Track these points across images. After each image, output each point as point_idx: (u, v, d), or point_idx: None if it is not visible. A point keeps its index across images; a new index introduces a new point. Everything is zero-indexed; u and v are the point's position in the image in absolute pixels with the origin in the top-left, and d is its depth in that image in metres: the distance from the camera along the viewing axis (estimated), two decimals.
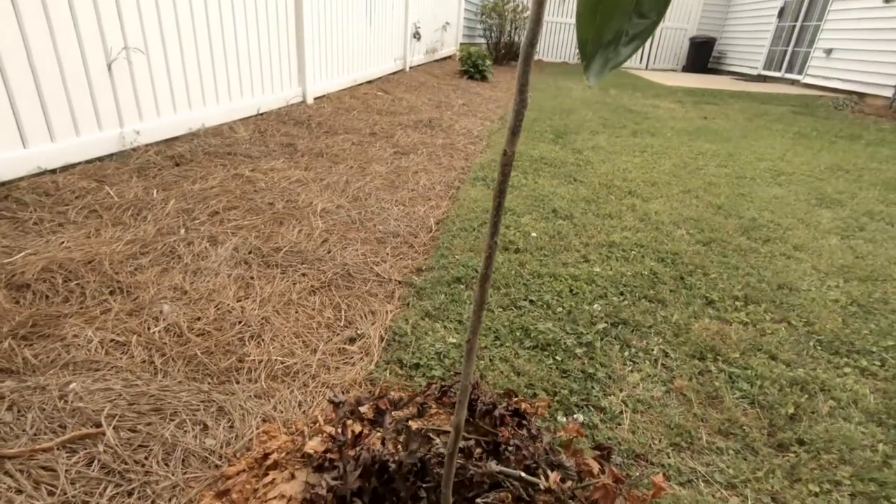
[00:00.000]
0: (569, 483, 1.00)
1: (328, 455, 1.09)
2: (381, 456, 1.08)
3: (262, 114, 3.92)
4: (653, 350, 1.71)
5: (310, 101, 4.48)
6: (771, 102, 7.65)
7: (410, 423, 1.05)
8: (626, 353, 1.68)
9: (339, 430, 1.10)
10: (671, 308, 1.94)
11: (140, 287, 1.69)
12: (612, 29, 0.45)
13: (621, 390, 1.53)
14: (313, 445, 1.14)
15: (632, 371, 1.61)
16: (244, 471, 1.15)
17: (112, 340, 1.43)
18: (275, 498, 1.05)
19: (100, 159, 2.68)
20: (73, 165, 2.55)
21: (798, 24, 9.88)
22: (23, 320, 1.44)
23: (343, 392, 1.33)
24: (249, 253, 1.99)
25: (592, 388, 1.52)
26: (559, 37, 12.53)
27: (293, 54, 4.23)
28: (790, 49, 10.13)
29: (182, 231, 2.09)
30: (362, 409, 1.07)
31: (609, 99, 6.93)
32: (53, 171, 2.45)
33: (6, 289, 1.60)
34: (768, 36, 10.72)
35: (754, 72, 11.12)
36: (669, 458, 1.32)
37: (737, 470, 1.30)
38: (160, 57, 2.95)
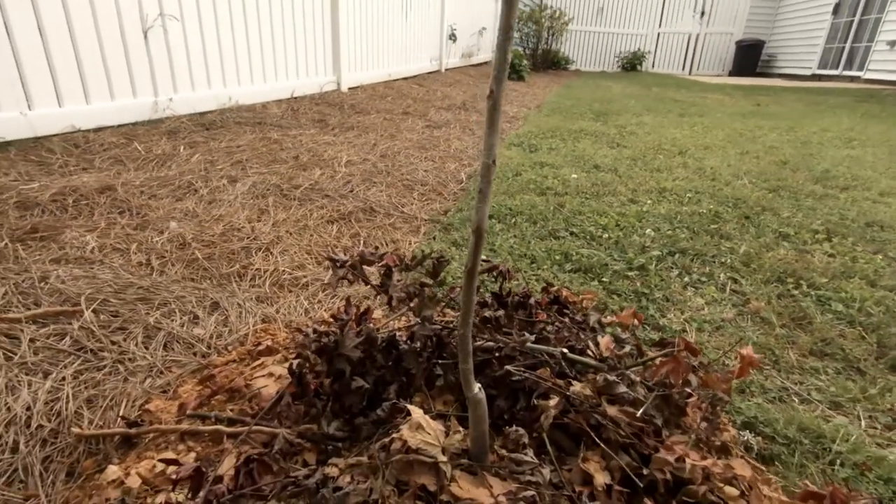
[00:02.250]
0: (626, 349, 0.78)
1: (332, 335, 0.91)
2: (389, 332, 0.90)
3: (295, 97, 3.92)
4: (719, 276, 1.45)
5: (344, 88, 4.47)
6: (829, 94, 7.15)
7: (426, 289, 0.86)
8: (687, 279, 1.43)
9: (343, 308, 0.93)
10: (737, 241, 1.67)
11: (150, 209, 1.60)
12: None
13: (682, 312, 1.28)
14: (313, 329, 0.97)
15: (695, 295, 1.36)
16: (234, 361, 0.98)
17: (111, 246, 1.32)
18: (262, 377, 0.88)
19: (132, 124, 2.69)
20: (106, 127, 2.55)
21: (856, 18, 9.33)
22: (24, 227, 1.36)
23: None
24: (268, 189, 1.88)
25: (647, 307, 1.28)
26: (596, 46, 12.35)
27: (328, 42, 4.25)
28: (848, 45, 9.56)
29: (202, 173, 2.01)
30: (368, 269, 0.89)
31: (652, 93, 6.65)
32: (87, 131, 2.46)
33: (17, 209, 1.53)
34: (822, 34, 10.17)
35: (808, 72, 10.53)
36: (750, 375, 1.06)
37: (841, 388, 1.03)
38: (195, 29, 2.98)
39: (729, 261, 1.53)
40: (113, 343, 0.95)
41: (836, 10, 10.12)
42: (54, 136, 2.34)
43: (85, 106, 2.49)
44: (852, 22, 9.66)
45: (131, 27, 2.63)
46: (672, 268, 1.49)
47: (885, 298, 1.32)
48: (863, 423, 0.95)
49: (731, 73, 12.00)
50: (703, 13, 11.88)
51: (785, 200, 2.07)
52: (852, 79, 9.49)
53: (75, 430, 0.76)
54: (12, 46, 2.15)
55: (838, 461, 0.83)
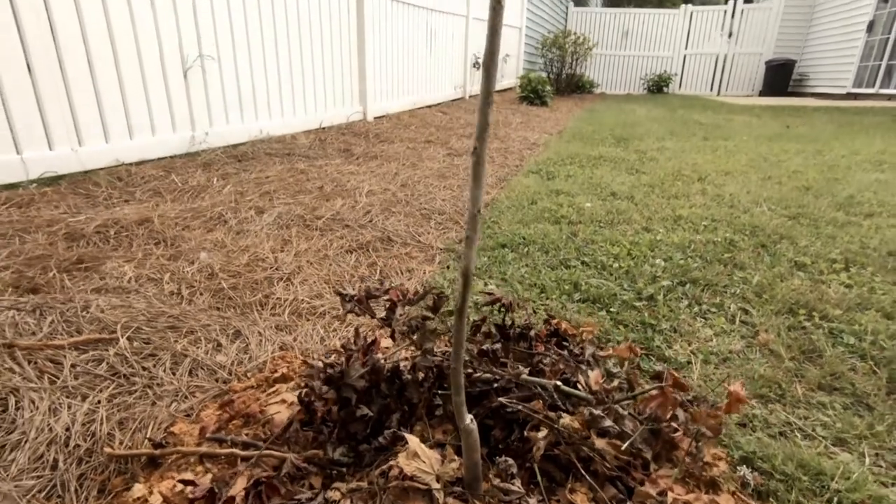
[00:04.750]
0: (615, 383, 0.81)
1: (338, 366, 0.97)
2: (393, 362, 0.95)
3: (323, 127, 4.10)
4: (729, 307, 1.45)
5: (370, 118, 4.64)
6: (865, 114, 6.96)
7: (428, 322, 0.91)
8: (696, 310, 1.44)
9: (352, 339, 0.99)
10: (751, 270, 1.67)
11: (183, 240, 1.71)
12: None
13: (689, 343, 1.29)
14: (323, 358, 1.03)
15: (704, 326, 1.37)
16: (253, 387, 1.05)
17: (146, 276, 1.43)
18: (275, 403, 0.94)
19: (171, 157, 2.87)
20: (147, 161, 2.74)
21: (891, 36, 9.10)
22: (70, 258, 1.48)
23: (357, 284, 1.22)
24: (292, 219, 1.99)
25: (653, 338, 1.30)
26: (621, 69, 12.39)
27: (355, 75, 4.44)
28: (884, 63, 9.31)
29: (232, 204, 2.13)
30: (373, 303, 0.95)
31: (677, 116, 6.62)
32: (129, 164, 2.65)
33: (65, 240, 1.68)
34: (857, 52, 9.95)
35: (842, 90, 10.28)
36: (755, 409, 1.07)
37: (847, 425, 1.02)
38: (231, 67, 3.18)
39: (741, 291, 1.53)
40: (144, 369, 1.03)
41: (871, 28, 9.90)
42: (101, 169, 2.53)
43: (129, 141, 2.69)
44: (888, 39, 9.42)
45: (173, 68, 2.83)
46: (682, 298, 1.50)
47: None
48: (867, 460, 0.94)
49: (761, 93, 11.82)
50: (730, 34, 11.80)
51: (804, 228, 2.05)
52: (890, 97, 9.22)
53: (107, 450, 0.83)
54: (67, 90, 2.36)
55: (836, 499, 0.84)
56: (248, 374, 1.10)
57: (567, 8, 12.30)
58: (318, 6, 3.86)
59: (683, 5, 11.80)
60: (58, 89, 2.31)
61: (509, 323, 1.06)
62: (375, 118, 4.75)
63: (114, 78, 2.53)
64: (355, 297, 0.92)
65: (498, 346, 0.93)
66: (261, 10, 3.34)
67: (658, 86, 11.75)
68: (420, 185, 2.63)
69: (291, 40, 3.65)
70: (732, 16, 11.58)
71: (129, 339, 1.10)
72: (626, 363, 0.95)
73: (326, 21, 3.97)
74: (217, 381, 1.06)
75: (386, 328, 0.92)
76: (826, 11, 11.36)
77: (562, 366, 0.91)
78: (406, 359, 1.08)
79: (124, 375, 1.01)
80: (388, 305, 0.94)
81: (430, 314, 0.93)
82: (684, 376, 1.17)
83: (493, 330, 1.05)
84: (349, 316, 1.30)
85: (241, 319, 1.26)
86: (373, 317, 0.93)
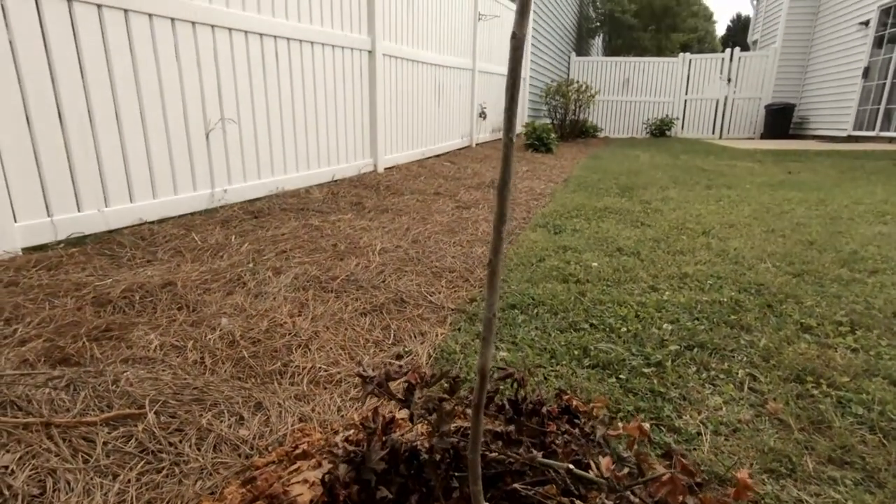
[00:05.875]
0: (626, 470, 0.84)
1: (358, 445, 1.01)
2: (411, 442, 0.99)
3: (336, 180, 4.24)
4: (737, 373, 1.48)
5: (380, 170, 4.79)
6: (866, 158, 7.07)
7: (444, 404, 0.96)
8: (705, 376, 1.47)
9: (371, 416, 1.03)
10: (757, 333, 1.70)
11: (205, 305, 1.78)
12: None
13: (699, 412, 1.31)
14: (343, 437, 1.07)
15: (712, 393, 1.39)
16: (273, 462, 1.09)
17: (171, 344, 1.49)
18: (298, 483, 0.98)
19: (191, 214, 2.99)
20: (169, 219, 2.86)
21: (888, 81, 9.34)
22: (99, 325, 1.55)
23: (373, 368, 1.26)
24: (308, 281, 2.06)
25: (664, 407, 1.32)
26: (624, 114, 12.72)
27: (367, 130, 4.63)
28: (882, 107, 9.51)
29: (250, 265, 2.21)
30: (392, 385, 0.99)
31: (680, 162, 6.77)
32: (151, 223, 2.76)
33: (93, 304, 1.75)
34: (854, 97, 10.18)
35: (843, 133, 10.46)
36: (765, 484, 1.08)
37: (858, 502, 1.03)
38: (250, 128, 3.35)
39: (748, 356, 1.56)
40: (170, 445, 1.07)
41: (867, 74, 10.16)
42: (125, 228, 2.64)
43: (152, 200, 2.81)
44: (884, 84, 9.65)
45: (196, 130, 2.99)
46: (690, 363, 1.53)
47: None
48: None
49: (762, 136, 12.04)
50: (729, 80, 12.13)
51: (809, 286, 2.08)
52: (891, 139, 9.36)
53: None
54: (98, 158, 2.50)
55: None
56: (270, 448, 1.13)
57: (569, 57, 12.78)
58: (333, 69, 4.08)
59: (682, 54, 12.22)
60: (89, 157, 2.45)
61: (522, 397, 1.10)
62: (386, 169, 4.90)
63: (141, 142, 2.68)
64: (375, 380, 0.97)
65: (512, 427, 0.97)
66: (279, 76, 3.54)
67: (661, 130, 12.02)
68: (430, 242, 2.70)
69: (307, 100, 3.84)
70: (730, 63, 11.96)
71: (156, 413, 1.15)
72: (636, 443, 0.98)
73: (340, 81, 4.18)
74: (240, 455, 1.09)
75: (404, 409, 0.96)
76: (821, 58, 11.70)
77: (574, 446, 0.94)
78: (423, 434, 1.12)
79: (152, 452, 1.05)
80: (405, 386, 0.99)
81: (446, 396, 0.97)
82: (694, 449, 1.19)
83: (507, 405, 1.09)
84: (368, 399, 1.34)
85: (261, 390, 1.31)
86: (392, 399, 0.97)
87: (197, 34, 2.90)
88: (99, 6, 2.41)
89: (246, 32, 3.22)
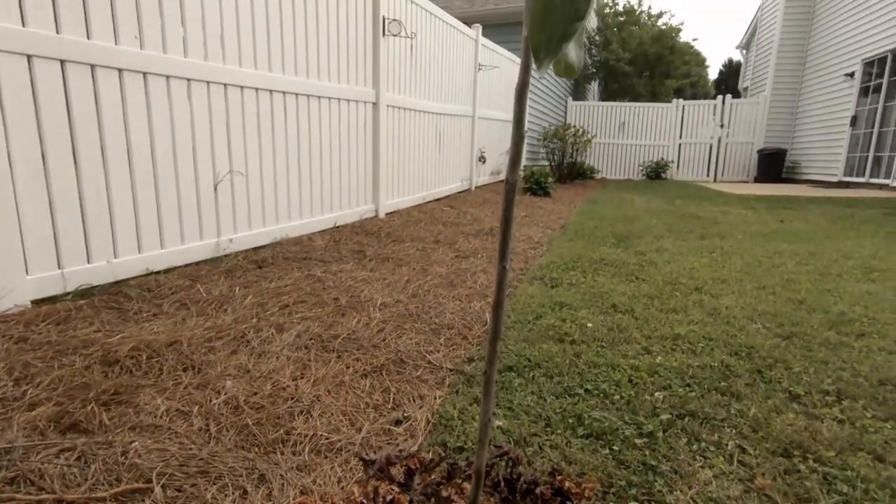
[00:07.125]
0: None
1: None
2: None
3: (338, 226, 4.34)
4: (727, 445, 1.52)
5: (382, 215, 4.91)
6: (857, 206, 7.24)
7: (442, 490, 1.00)
8: (695, 447, 1.51)
9: (371, 494, 1.07)
10: (747, 402, 1.75)
11: (210, 365, 1.83)
12: (557, 35, 0.54)
13: (690, 487, 1.35)
14: None
15: (703, 467, 1.43)
16: None
17: (177, 409, 1.54)
18: None
19: (197, 263, 3.06)
20: (175, 268, 2.93)
21: (875, 130, 9.64)
22: (108, 388, 1.60)
23: (374, 451, 1.30)
24: (310, 339, 2.11)
25: (655, 481, 1.36)
26: (620, 156, 13.03)
27: (369, 177, 4.77)
28: (871, 154, 9.78)
29: (254, 320, 2.27)
30: (392, 469, 1.04)
31: (674, 208, 6.92)
32: (158, 272, 2.83)
33: (101, 364, 1.80)
34: (844, 144, 10.48)
35: (834, 178, 10.71)
36: None
37: None
38: (256, 179, 3.47)
39: (737, 426, 1.61)
40: None
41: (854, 123, 10.48)
42: (131, 279, 2.70)
43: (160, 251, 2.89)
44: (871, 133, 9.95)
45: (205, 183, 3.10)
46: (681, 434, 1.57)
47: (892, 479, 1.35)
48: None
49: (756, 179, 12.29)
50: (722, 125, 12.49)
51: (798, 350, 2.14)
52: (881, 186, 9.58)
53: None
54: (110, 212, 2.59)
55: None
56: None
57: (566, 102, 13.18)
58: (339, 120, 4.25)
59: (675, 100, 12.62)
60: (101, 212, 2.55)
61: (517, 475, 1.14)
62: (387, 214, 5.02)
63: (152, 195, 2.78)
64: (377, 465, 1.01)
65: None
66: (287, 128, 3.68)
67: (657, 172, 12.29)
68: (430, 296, 2.77)
69: (313, 150, 3.98)
70: (722, 108, 12.34)
71: (163, 486, 1.19)
72: None
73: (346, 132, 4.34)
74: None
75: (405, 494, 1.01)
76: (810, 106, 12.09)
77: None
78: None
79: None
80: (405, 470, 1.03)
81: (444, 481, 1.02)
82: None
83: (503, 483, 1.13)
84: (369, 482, 1.38)
85: (264, 460, 1.34)
86: (392, 483, 1.02)
87: (210, 92, 3.05)
88: (120, 70, 2.56)
89: (257, 89, 3.38)
